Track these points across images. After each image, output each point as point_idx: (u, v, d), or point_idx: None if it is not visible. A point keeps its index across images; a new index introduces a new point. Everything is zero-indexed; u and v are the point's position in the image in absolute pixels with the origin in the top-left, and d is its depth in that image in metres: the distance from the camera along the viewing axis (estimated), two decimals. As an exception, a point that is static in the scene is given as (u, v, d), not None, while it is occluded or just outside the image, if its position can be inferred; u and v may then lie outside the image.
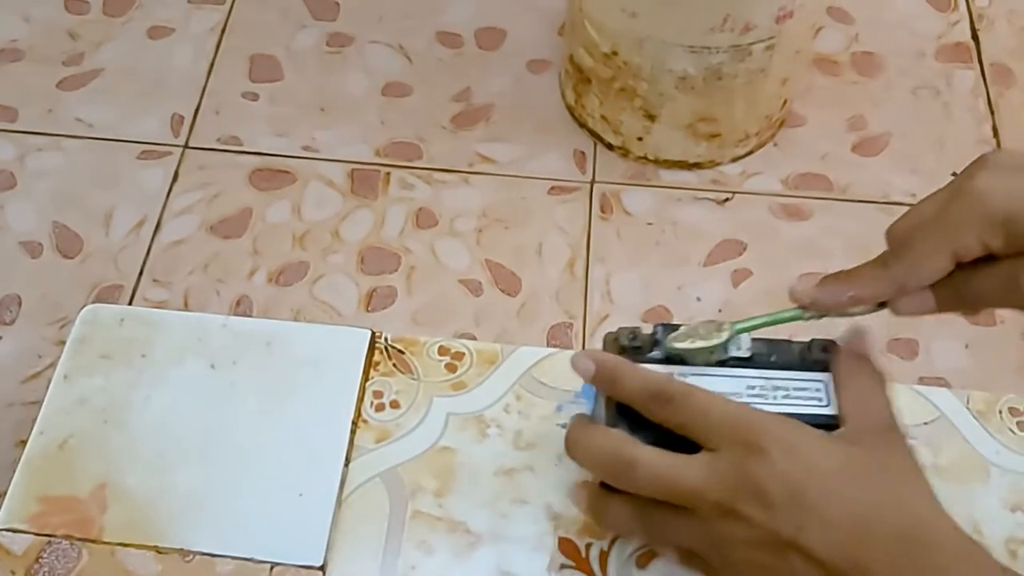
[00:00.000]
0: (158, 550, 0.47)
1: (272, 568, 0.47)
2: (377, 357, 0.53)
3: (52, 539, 0.47)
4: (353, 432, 0.50)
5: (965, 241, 0.39)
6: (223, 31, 1.34)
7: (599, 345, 0.47)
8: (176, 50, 1.32)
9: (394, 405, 0.52)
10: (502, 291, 1.12)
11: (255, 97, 1.28)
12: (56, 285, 1.12)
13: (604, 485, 0.44)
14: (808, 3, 1.06)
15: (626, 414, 0.43)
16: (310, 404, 0.51)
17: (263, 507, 0.48)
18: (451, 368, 0.53)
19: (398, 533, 0.48)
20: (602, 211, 1.18)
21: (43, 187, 1.20)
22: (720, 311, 1.11)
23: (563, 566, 0.47)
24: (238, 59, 1.31)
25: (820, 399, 0.43)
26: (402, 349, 0.54)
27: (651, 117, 1.16)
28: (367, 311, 1.11)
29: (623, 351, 0.44)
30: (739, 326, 0.43)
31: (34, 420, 0.50)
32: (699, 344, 0.43)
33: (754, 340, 0.44)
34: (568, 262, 1.14)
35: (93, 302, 0.85)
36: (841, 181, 1.22)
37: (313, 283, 1.12)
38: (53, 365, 0.53)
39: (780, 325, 0.44)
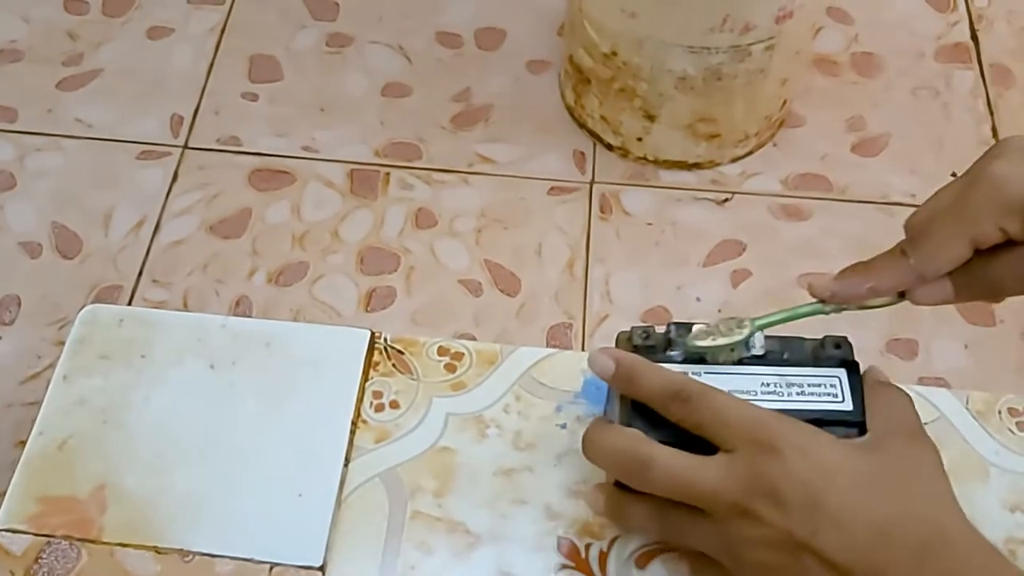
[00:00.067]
0: (157, 550, 0.47)
1: (272, 568, 0.47)
2: (377, 357, 0.53)
3: (51, 539, 0.47)
4: (353, 432, 0.50)
5: (983, 227, 0.39)
6: (223, 31, 1.34)
7: (599, 345, 0.47)
8: (176, 50, 1.32)
9: (394, 405, 0.52)
10: (501, 291, 1.12)
11: (255, 97, 1.28)
12: (55, 285, 1.12)
13: (619, 485, 0.44)
14: (808, 3, 1.06)
15: (641, 413, 0.42)
16: (310, 404, 0.51)
17: (263, 507, 0.48)
18: (451, 368, 0.53)
19: (397, 533, 0.48)
20: (602, 211, 1.18)
21: (42, 187, 1.20)
22: (720, 311, 1.11)
23: (562, 566, 0.47)
24: (238, 59, 1.31)
25: (835, 395, 0.42)
26: (402, 349, 0.53)
27: (651, 117, 1.16)
28: (366, 311, 1.10)
29: (636, 350, 0.43)
30: (759, 322, 0.43)
31: (33, 420, 0.50)
32: (720, 341, 0.42)
33: (767, 338, 0.43)
34: (568, 262, 1.14)
35: (92, 302, 0.84)
36: (840, 181, 1.22)
37: (312, 283, 1.12)
38: (52, 365, 0.53)
39: (798, 320, 0.43)
